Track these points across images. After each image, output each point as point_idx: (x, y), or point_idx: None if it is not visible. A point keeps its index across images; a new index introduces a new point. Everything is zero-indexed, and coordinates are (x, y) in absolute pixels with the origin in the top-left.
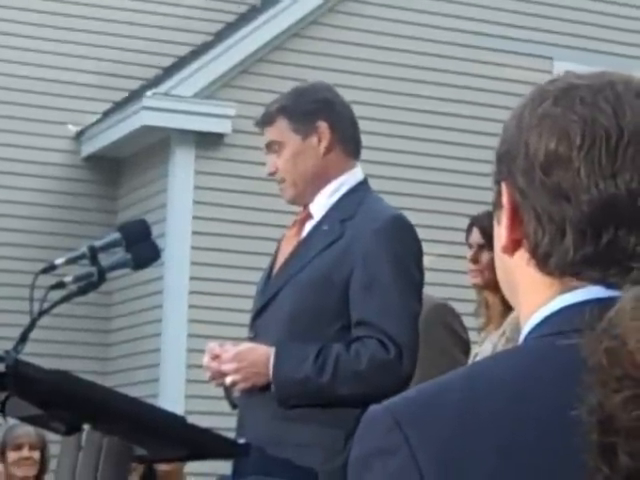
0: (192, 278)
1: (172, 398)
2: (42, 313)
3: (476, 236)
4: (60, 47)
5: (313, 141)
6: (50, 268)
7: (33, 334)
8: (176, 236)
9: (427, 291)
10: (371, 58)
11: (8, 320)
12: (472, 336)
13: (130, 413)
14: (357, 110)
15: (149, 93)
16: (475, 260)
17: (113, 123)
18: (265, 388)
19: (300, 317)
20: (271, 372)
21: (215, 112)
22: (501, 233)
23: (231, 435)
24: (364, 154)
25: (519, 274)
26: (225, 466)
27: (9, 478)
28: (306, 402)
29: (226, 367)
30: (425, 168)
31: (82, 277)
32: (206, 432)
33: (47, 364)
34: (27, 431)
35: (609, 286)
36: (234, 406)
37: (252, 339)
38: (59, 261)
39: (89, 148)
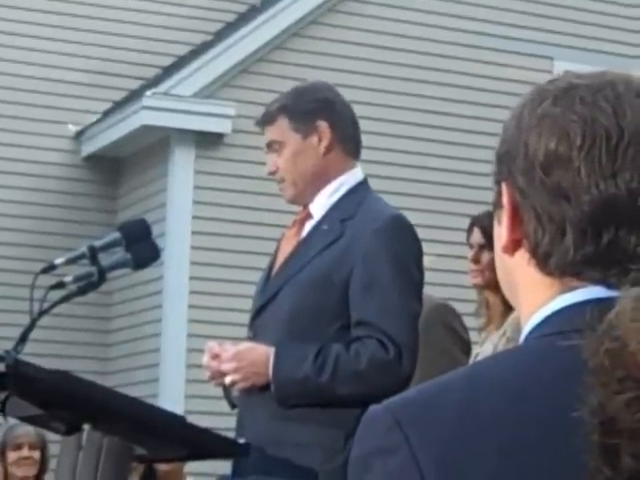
0: (192, 278)
1: (172, 398)
2: (42, 313)
3: (477, 236)
4: (61, 47)
5: (313, 140)
6: (50, 268)
7: (33, 334)
8: (176, 236)
9: (427, 291)
10: (371, 58)
11: (8, 320)
12: (473, 336)
13: (130, 413)
14: (357, 110)
15: (149, 93)
16: (476, 260)
17: (113, 123)
18: (265, 388)
19: (300, 317)
20: (271, 372)
21: (215, 112)
22: (501, 233)
23: (231, 435)
24: (364, 154)
25: (519, 274)
26: (225, 466)
27: (9, 478)
28: (306, 402)
29: (225, 366)
30: (425, 168)
31: (82, 277)
32: (206, 432)
33: (47, 364)
34: (27, 431)
35: (609, 286)
36: (233, 406)
37: (251, 339)
38: (59, 261)
39: (89, 148)
